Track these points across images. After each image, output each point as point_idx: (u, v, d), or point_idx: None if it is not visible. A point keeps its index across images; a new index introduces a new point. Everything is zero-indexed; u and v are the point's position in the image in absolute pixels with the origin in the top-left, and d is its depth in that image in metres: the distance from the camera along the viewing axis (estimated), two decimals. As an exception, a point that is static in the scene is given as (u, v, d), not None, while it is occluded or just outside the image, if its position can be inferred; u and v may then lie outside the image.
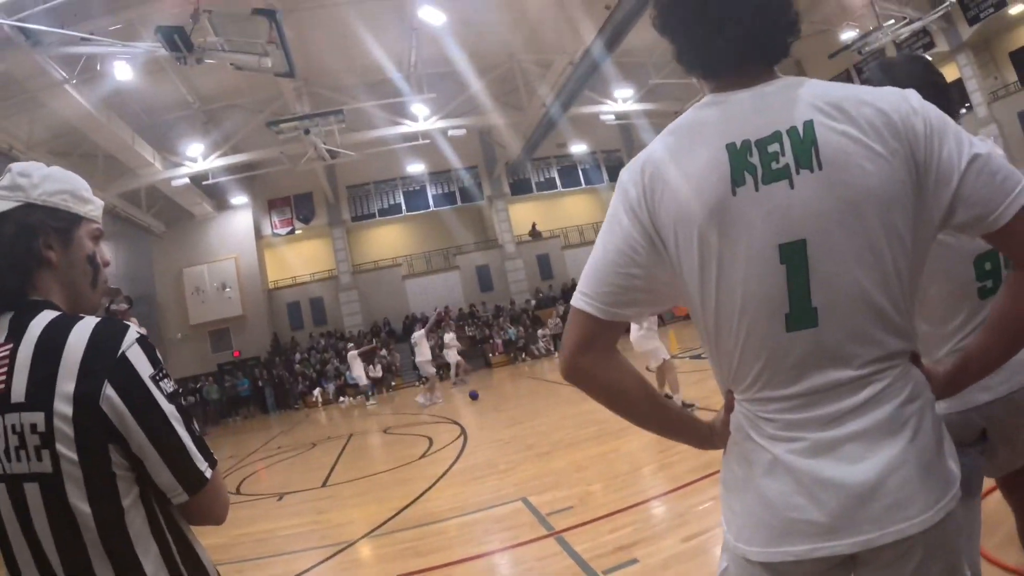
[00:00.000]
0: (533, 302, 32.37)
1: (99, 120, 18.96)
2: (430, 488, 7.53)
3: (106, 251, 1.57)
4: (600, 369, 1.43)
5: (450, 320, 24.37)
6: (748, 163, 1.29)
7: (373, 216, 34.16)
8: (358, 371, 21.42)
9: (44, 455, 1.25)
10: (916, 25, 21.78)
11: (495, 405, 15.46)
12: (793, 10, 1.40)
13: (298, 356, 29.74)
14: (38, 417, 1.25)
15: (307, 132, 20.84)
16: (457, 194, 34.18)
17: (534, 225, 34.94)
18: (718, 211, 1.28)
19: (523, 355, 28.63)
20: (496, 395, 17.90)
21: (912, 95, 1.34)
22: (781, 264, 1.26)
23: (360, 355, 21.31)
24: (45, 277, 1.42)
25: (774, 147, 1.29)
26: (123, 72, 17.34)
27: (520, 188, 34.07)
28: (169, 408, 1.33)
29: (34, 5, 13.63)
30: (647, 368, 8.83)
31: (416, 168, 32.42)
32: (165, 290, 31.24)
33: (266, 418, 25.86)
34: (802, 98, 1.33)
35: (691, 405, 8.40)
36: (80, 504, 1.26)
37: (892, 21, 21.42)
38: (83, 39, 14.61)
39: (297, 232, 33.59)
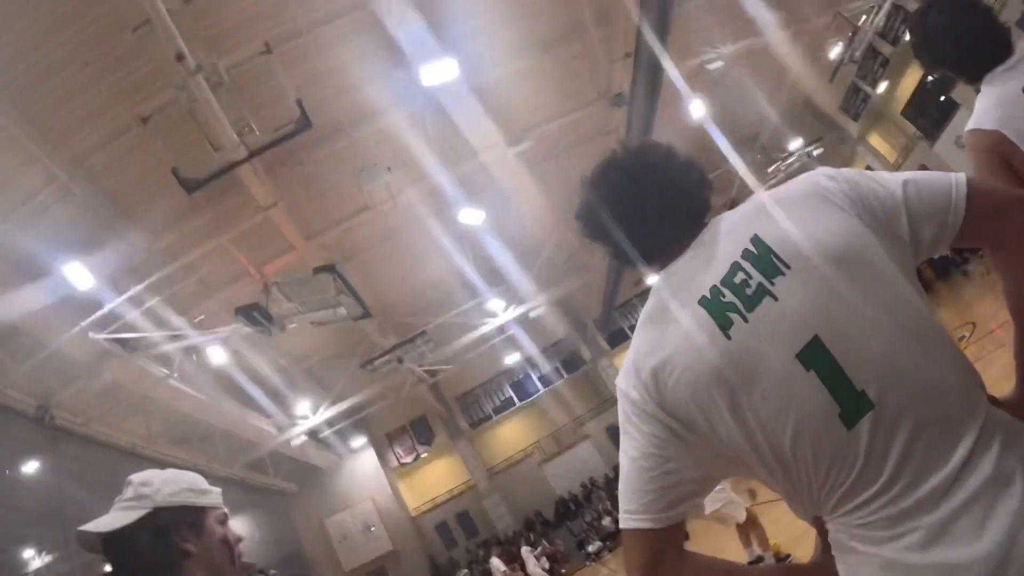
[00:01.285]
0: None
1: (207, 403, 20.34)
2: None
3: (234, 529, 1.73)
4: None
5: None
6: (725, 303, 1.31)
7: (489, 418, 34.49)
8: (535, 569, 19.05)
9: None
10: (887, 6, 21.09)
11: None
12: (697, 170, 1.52)
13: (463, 572, 29.28)
14: None
15: (400, 361, 21.61)
16: (560, 367, 34.31)
17: (643, 368, 34.43)
18: (724, 362, 1.28)
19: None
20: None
21: (825, 170, 1.43)
22: (808, 371, 1.23)
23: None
24: (189, 567, 1.55)
25: (739, 277, 1.32)
26: (217, 355, 18.90)
27: (617, 338, 33.81)
28: None
29: (123, 315, 15.32)
30: (736, 525, 7.54)
31: (513, 358, 32.80)
32: (312, 544, 31.60)
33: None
34: (734, 224, 1.41)
35: (787, 556, 7.28)
36: None
37: (864, 17, 21.21)
38: (172, 336, 16.13)
39: (422, 456, 34.01)
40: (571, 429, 34.73)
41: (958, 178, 1.32)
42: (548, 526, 30.37)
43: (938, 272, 25.60)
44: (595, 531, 27.37)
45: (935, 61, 2.30)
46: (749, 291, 1.29)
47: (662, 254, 1.48)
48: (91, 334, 14.90)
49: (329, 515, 31.96)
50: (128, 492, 1.58)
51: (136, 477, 1.62)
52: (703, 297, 1.33)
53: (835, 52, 23.23)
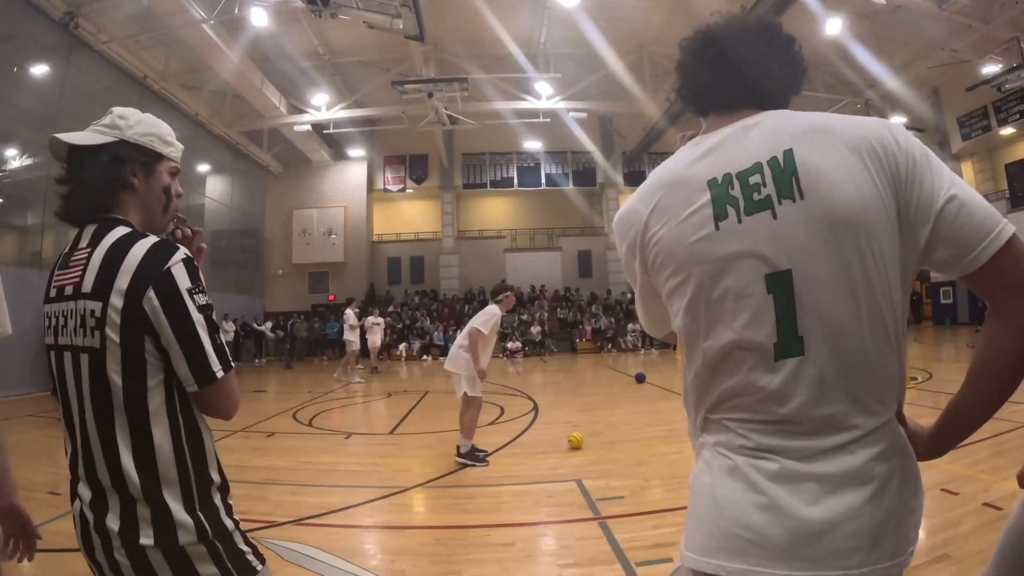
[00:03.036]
0: (629, 295, 31.94)
1: (232, 61, 19.87)
2: (492, 454, 7.66)
3: (179, 186, 1.91)
4: None
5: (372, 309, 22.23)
6: (730, 196, 1.32)
7: (484, 186, 34.62)
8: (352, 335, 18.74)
9: (95, 334, 1.60)
10: (1065, 67, 19.87)
11: (572, 389, 15.49)
12: (797, 68, 1.48)
13: (390, 309, 30.51)
14: (97, 305, 1.60)
15: (430, 95, 21.25)
16: (570, 176, 34.16)
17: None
18: (703, 248, 1.32)
19: (610, 346, 28.59)
20: (575, 380, 17.90)
21: (897, 127, 1.33)
22: (768, 294, 1.27)
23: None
24: (128, 199, 1.77)
25: (755, 178, 1.31)
26: (259, 18, 18.17)
27: (634, 179, 33.55)
28: (197, 316, 1.64)
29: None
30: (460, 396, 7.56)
31: (533, 145, 32.50)
32: (274, 227, 32.72)
33: (349, 363, 26.48)
34: (784, 128, 1.35)
35: (483, 452, 7.51)
36: (115, 377, 1.59)
37: (1038, 62, 19.74)
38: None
39: (408, 191, 34.41)
40: (548, 235, 35.32)
41: (1004, 228, 1.25)
42: (484, 307, 31.18)
43: (934, 312, 25.93)
44: (521, 333, 28.40)
45: None
46: (757, 196, 1.30)
47: (712, 112, 1.50)
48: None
49: (299, 207, 32.69)
50: (106, 119, 1.78)
51: (117, 109, 1.81)
52: (713, 179, 1.35)
53: (988, 69, 21.54)
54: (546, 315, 30.18)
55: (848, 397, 1.26)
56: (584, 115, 26.05)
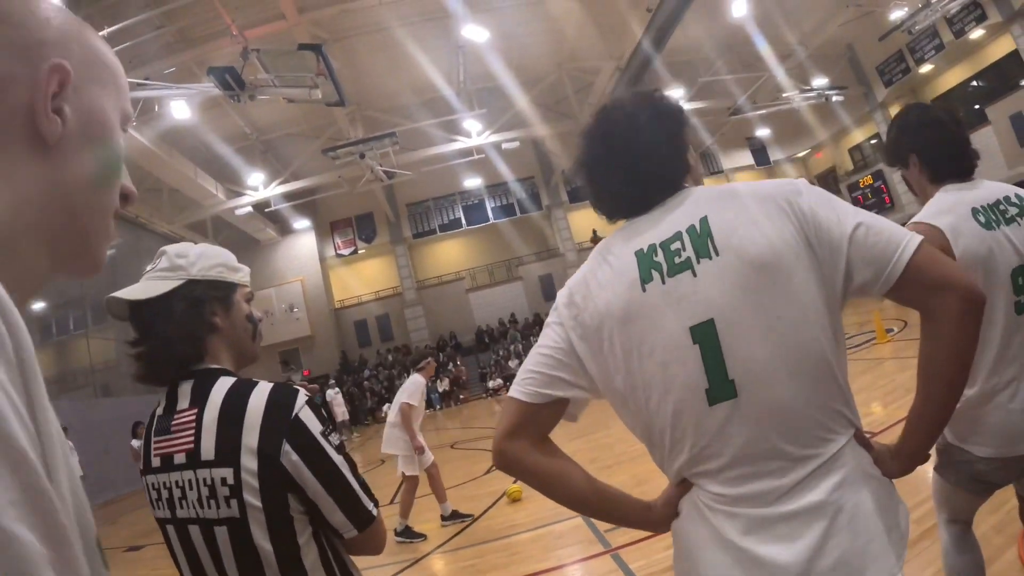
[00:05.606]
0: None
1: (161, 157, 19.82)
2: (493, 505, 7.62)
3: (255, 308, 1.80)
4: (528, 455, 1.50)
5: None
6: (654, 262, 1.41)
7: (434, 232, 34.66)
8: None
9: (232, 503, 1.44)
10: None
11: (560, 416, 15.46)
12: (675, 138, 1.54)
13: (367, 372, 30.26)
14: (227, 472, 1.45)
15: (362, 156, 21.23)
16: (516, 205, 34.39)
17: (595, 232, 34.74)
18: (632, 308, 1.40)
19: (588, 364, 28.43)
20: (562, 405, 17.87)
21: (801, 183, 1.45)
22: (694, 344, 1.34)
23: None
24: (214, 341, 1.63)
25: (676, 245, 1.41)
26: (180, 111, 18.07)
27: (578, 195, 33.73)
28: (338, 459, 1.52)
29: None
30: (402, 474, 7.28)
31: (473, 182, 32.74)
32: (236, 314, 32.05)
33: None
34: (699, 199, 1.46)
35: (419, 536, 7.10)
36: (263, 543, 1.44)
37: (941, -2, 20.44)
38: (139, 84, 15.30)
39: (360, 252, 34.34)
40: (507, 267, 35.37)
41: (911, 240, 1.33)
42: (459, 350, 31.28)
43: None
44: (500, 369, 28.35)
45: (927, 161, 2.45)
46: (678, 260, 1.39)
47: (628, 214, 1.57)
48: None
49: (256, 289, 31.50)
50: (162, 263, 1.63)
51: (171, 248, 1.67)
52: (639, 250, 1.45)
53: (896, 15, 22.19)
54: (521, 347, 30.13)
55: (790, 431, 1.31)
56: (516, 144, 26.22)
